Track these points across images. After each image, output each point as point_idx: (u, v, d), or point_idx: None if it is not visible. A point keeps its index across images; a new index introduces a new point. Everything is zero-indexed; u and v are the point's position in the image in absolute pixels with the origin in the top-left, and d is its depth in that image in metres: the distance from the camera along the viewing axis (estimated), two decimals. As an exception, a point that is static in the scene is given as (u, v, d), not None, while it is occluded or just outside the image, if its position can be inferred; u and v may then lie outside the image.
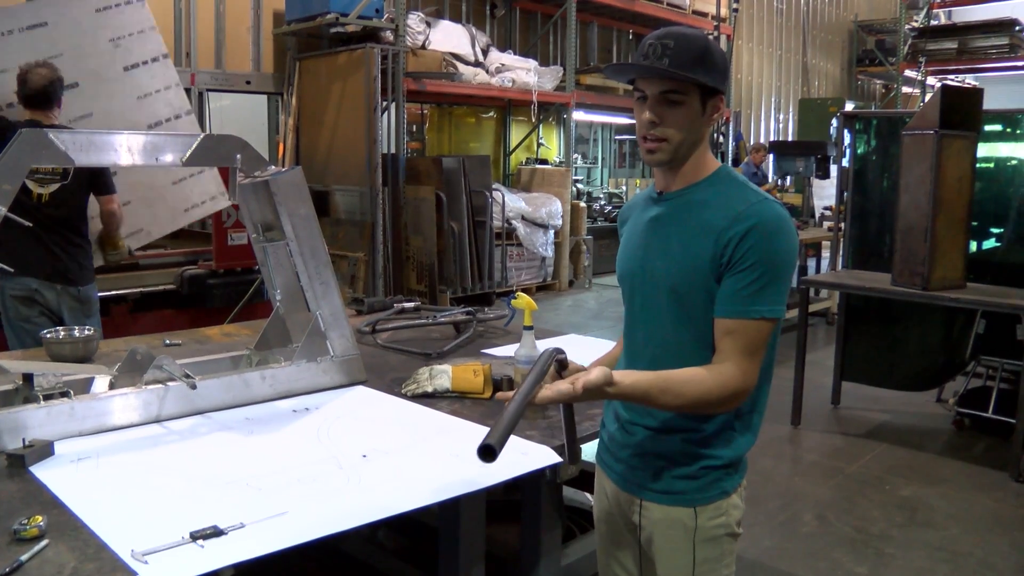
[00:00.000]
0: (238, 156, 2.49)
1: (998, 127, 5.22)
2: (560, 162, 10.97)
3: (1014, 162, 5.16)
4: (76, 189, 4.04)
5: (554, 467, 2.07)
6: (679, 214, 1.72)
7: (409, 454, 2.08)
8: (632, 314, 1.82)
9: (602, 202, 11.89)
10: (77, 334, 2.94)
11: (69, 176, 3.97)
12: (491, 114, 11.34)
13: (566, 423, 1.80)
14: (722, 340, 1.65)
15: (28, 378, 2.20)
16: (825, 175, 8.92)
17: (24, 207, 3.87)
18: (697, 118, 1.68)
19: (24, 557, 1.50)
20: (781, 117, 16.83)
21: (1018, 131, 5.18)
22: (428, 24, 9.10)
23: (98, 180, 4.15)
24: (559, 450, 2.09)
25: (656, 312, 1.74)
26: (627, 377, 1.61)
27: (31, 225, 2.89)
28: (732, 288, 1.63)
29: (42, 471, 1.92)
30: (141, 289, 5.02)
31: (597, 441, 1.98)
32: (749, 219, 1.62)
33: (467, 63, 9.27)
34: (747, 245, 1.61)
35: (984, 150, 5.02)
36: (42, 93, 3.94)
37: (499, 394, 1.81)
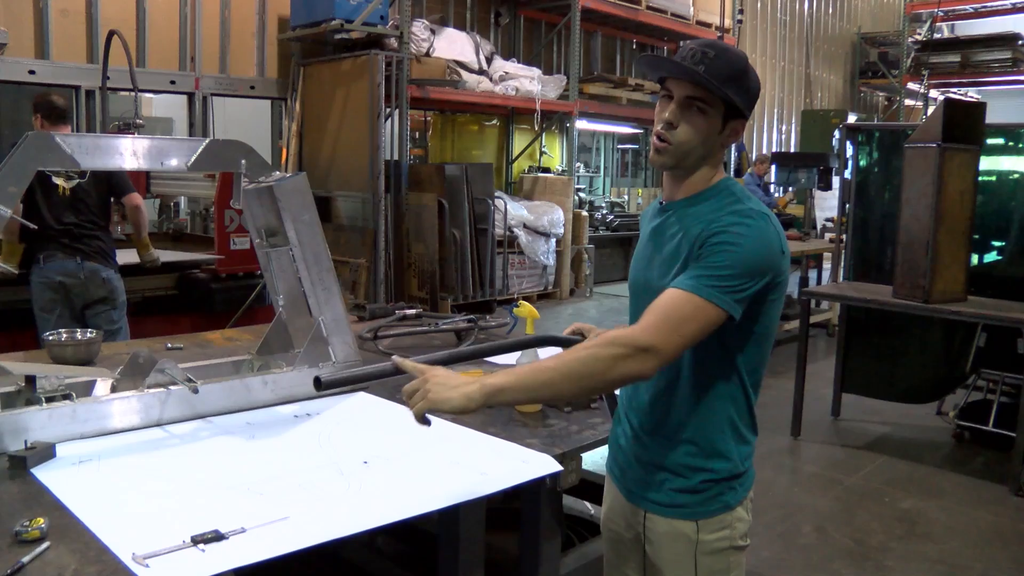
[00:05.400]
0: (243, 161, 2.50)
1: (1000, 141, 5.23)
2: (562, 171, 10.97)
3: (1016, 176, 5.17)
4: (93, 188, 4.34)
5: (554, 475, 2.08)
6: (674, 226, 1.73)
7: (410, 461, 2.09)
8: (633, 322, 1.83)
9: (604, 211, 11.88)
10: (80, 336, 2.95)
11: (87, 174, 4.19)
12: (494, 122, 11.35)
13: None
14: (652, 304, 1.62)
15: (30, 380, 2.21)
16: (827, 187, 8.93)
17: (45, 199, 4.18)
18: (714, 133, 1.69)
19: (25, 559, 1.50)
20: (783, 128, 16.85)
21: (1020, 145, 5.18)
22: (432, 31, 9.12)
23: (116, 183, 4.46)
24: (559, 458, 2.10)
25: None
26: (498, 377, 1.57)
27: (36, 228, 2.92)
28: (689, 270, 1.62)
29: (44, 473, 1.92)
30: (143, 293, 5.04)
31: (607, 449, 1.98)
32: (723, 219, 1.63)
33: (471, 71, 9.28)
34: (715, 240, 1.61)
35: (986, 164, 5.03)
36: (63, 110, 4.36)
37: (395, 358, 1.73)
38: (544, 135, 11.25)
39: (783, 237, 1.68)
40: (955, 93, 17.34)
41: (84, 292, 4.32)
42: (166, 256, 5.20)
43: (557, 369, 1.56)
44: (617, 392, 1.99)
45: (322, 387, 1.66)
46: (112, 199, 4.59)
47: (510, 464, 2.07)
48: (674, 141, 1.68)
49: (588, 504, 3.11)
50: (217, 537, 1.60)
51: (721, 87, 1.64)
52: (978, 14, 17.80)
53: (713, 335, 1.63)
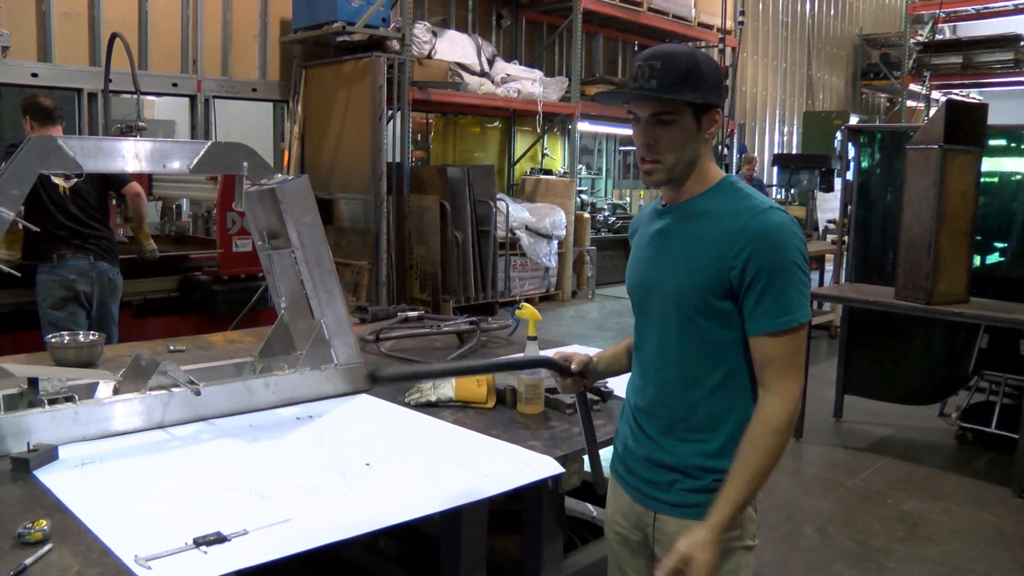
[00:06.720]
0: (245, 164, 2.51)
1: (1002, 142, 5.22)
2: (564, 173, 10.98)
3: (1018, 177, 5.16)
4: (92, 185, 4.39)
5: (556, 477, 2.08)
6: (682, 226, 1.73)
7: (412, 463, 2.09)
8: (641, 326, 1.83)
9: (606, 213, 11.89)
10: (82, 339, 2.96)
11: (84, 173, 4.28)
12: (496, 124, 11.36)
13: (585, 426, 1.90)
14: (764, 360, 1.67)
15: (33, 382, 2.21)
16: (829, 188, 8.94)
17: (52, 200, 4.23)
18: (692, 135, 1.69)
19: (28, 561, 1.51)
20: (786, 130, 16.85)
21: (1022, 146, 5.18)
22: (434, 34, 9.13)
23: (113, 176, 4.47)
24: (562, 460, 2.10)
25: (664, 324, 1.75)
26: (721, 510, 1.65)
27: (39, 230, 2.93)
28: (758, 305, 1.64)
29: (46, 475, 1.92)
30: (145, 295, 5.04)
31: (611, 451, 1.98)
32: (750, 233, 1.63)
33: (473, 73, 9.29)
34: (757, 263, 1.62)
35: (988, 165, 5.02)
36: (51, 110, 4.35)
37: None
38: (546, 137, 11.26)
39: (794, 220, 1.71)
40: (957, 94, 17.35)
41: (92, 291, 4.37)
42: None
43: (761, 464, 1.65)
44: (621, 395, 2.00)
45: (375, 383, 1.67)
46: (112, 193, 4.63)
47: (512, 466, 2.07)
48: (659, 158, 1.70)
49: (590, 506, 3.11)
50: (219, 539, 1.60)
51: (677, 94, 1.64)
52: (980, 15, 17.80)
53: (733, 339, 1.69)
